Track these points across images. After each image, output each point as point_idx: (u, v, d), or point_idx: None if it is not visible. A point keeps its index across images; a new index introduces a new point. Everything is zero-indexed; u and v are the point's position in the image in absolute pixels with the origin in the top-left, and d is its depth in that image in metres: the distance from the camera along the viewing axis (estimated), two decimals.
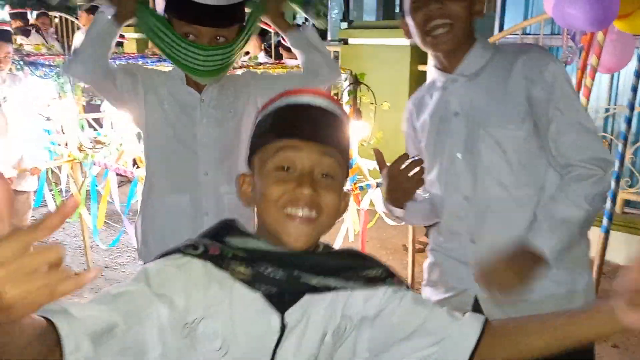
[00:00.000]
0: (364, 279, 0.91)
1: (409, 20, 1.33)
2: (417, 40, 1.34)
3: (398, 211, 1.41)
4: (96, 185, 3.52)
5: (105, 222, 3.68)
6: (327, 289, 0.88)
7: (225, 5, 1.55)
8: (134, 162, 3.54)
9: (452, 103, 1.37)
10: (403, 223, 1.57)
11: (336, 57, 5.62)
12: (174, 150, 1.71)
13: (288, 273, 0.85)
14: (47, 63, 3.64)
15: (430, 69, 1.43)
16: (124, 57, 3.96)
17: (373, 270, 0.92)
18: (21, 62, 3.65)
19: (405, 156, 1.30)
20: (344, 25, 9.56)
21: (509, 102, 1.30)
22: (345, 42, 5.14)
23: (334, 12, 9.92)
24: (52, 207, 3.93)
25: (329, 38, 9.42)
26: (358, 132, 2.96)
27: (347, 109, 2.98)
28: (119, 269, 3.75)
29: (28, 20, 8.81)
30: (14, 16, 8.63)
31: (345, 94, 3.02)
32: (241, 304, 0.85)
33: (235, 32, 1.62)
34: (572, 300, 1.35)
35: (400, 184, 1.32)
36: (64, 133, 4.08)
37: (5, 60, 3.19)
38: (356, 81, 2.93)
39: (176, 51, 1.58)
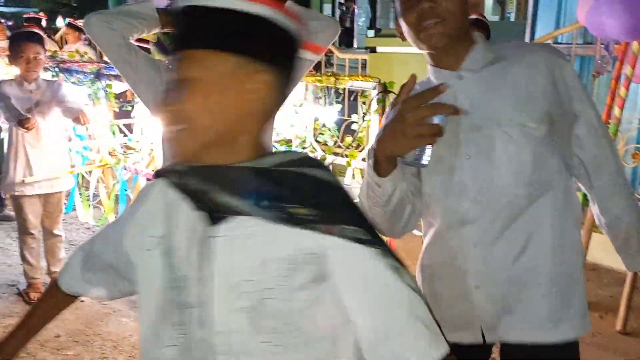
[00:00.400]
0: (286, 215, 0.81)
1: (402, 22, 1.29)
2: (411, 40, 1.29)
3: (375, 176, 1.17)
4: (126, 190, 3.58)
5: None
6: (235, 210, 0.82)
7: None
8: None
9: (460, 101, 1.25)
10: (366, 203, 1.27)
11: (364, 65, 5.64)
12: None
13: (202, 186, 0.84)
14: (81, 70, 3.73)
15: (429, 69, 1.34)
16: None
17: (302, 208, 0.81)
18: (57, 69, 3.74)
19: (438, 89, 1.05)
20: (371, 33, 9.58)
21: (527, 100, 1.25)
22: (373, 50, 5.14)
23: (361, 20, 9.94)
24: (80, 211, 4.00)
25: (355, 46, 9.45)
26: None
27: (376, 117, 2.97)
28: None
29: (42, 25, 8.73)
30: (27, 20, 8.57)
31: (374, 102, 3.02)
32: (182, 217, 0.88)
33: None
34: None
35: (410, 123, 1.04)
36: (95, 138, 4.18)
37: (36, 62, 3.18)
38: (385, 90, 2.93)
39: None
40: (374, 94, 3.07)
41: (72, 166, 3.90)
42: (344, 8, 11.20)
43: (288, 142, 3.65)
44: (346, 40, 9.54)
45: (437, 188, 1.31)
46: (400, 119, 1.06)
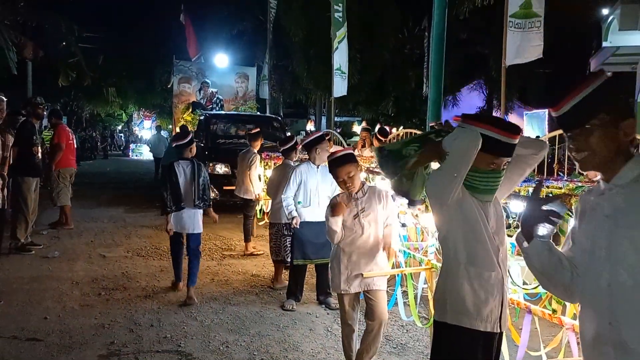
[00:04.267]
0: None
1: None
2: None
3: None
4: None
5: None
6: None
7: None
8: None
9: (605, 207, 1.67)
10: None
11: None
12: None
13: None
14: None
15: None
16: None
17: None
18: None
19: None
20: None
21: None
22: None
23: None
24: (402, 309, 4.13)
25: None
26: None
27: None
28: None
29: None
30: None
31: None
32: None
33: None
34: None
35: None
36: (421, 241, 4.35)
37: (350, 180, 3.52)
38: None
39: None
40: None
41: (397, 265, 4.11)
42: None
43: None
44: None
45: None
46: None
